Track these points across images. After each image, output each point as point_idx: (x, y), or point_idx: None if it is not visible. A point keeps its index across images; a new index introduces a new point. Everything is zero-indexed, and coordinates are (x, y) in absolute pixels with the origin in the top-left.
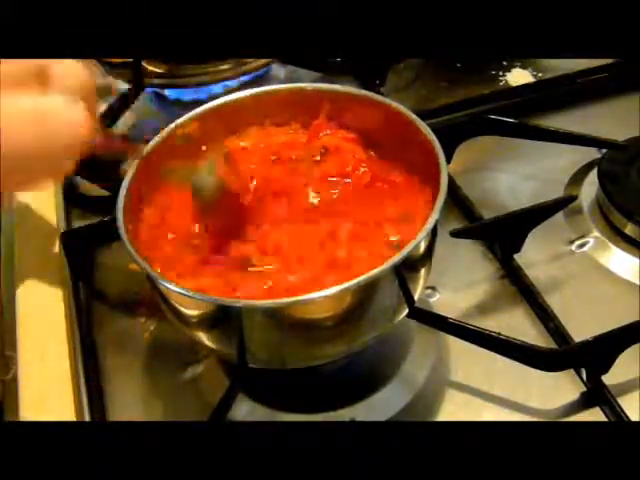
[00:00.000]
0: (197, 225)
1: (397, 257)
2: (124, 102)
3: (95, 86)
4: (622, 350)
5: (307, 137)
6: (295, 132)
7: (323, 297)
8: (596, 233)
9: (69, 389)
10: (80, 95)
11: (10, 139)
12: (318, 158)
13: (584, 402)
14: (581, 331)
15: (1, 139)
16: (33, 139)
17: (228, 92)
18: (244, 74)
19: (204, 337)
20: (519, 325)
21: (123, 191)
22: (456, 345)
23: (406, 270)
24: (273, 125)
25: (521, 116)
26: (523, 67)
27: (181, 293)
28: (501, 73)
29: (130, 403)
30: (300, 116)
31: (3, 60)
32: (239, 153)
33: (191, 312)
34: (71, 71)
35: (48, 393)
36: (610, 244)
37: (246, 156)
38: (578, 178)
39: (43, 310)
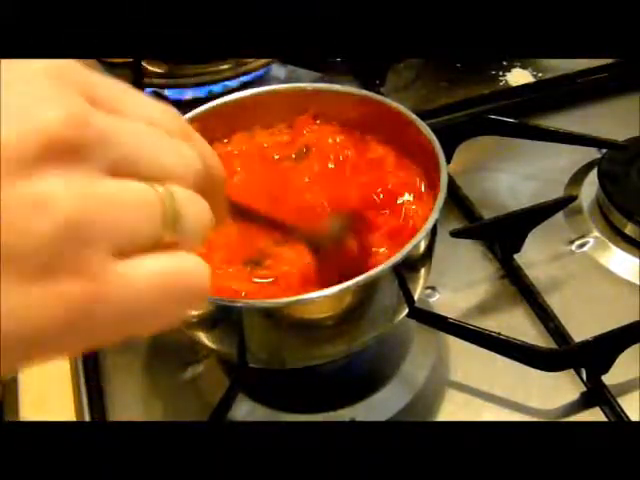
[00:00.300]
0: None
1: (397, 257)
2: None
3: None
4: (622, 350)
5: (290, 136)
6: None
7: (323, 297)
8: (596, 233)
9: (69, 389)
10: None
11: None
12: (294, 156)
13: (584, 402)
14: (581, 331)
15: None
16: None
17: (228, 92)
18: (244, 74)
19: (204, 337)
20: (519, 325)
21: None
22: (456, 345)
23: (406, 270)
24: (268, 126)
25: (521, 116)
26: (523, 67)
27: None
28: (501, 73)
29: (130, 403)
30: (299, 116)
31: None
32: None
33: (191, 312)
34: (197, 216)
35: (48, 393)
36: (610, 244)
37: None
38: (578, 178)
39: None
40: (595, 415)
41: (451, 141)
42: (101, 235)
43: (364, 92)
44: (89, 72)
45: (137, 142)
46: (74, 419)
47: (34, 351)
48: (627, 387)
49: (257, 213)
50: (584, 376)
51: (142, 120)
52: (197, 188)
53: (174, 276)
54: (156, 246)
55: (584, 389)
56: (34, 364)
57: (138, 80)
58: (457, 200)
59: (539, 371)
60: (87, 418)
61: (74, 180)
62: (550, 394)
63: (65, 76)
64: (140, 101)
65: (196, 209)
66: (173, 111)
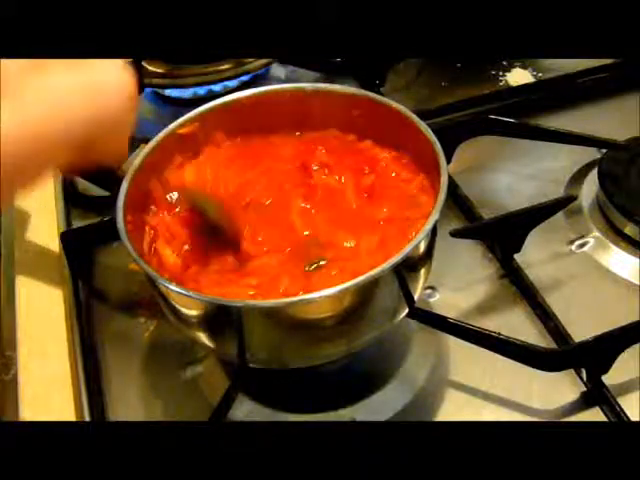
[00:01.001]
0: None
1: (397, 257)
2: None
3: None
4: (622, 350)
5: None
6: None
7: (323, 297)
8: (596, 233)
9: (69, 389)
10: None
11: (63, 117)
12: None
13: (584, 402)
14: (581, 331)
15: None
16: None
17: (228, 92)
18: (244, 74)
19: (204, 337)
20: (519, 325)
21: (123, 191)
22: (456, 345)
23: (406, 270)
24: (269, 127)
25: (521, 116)
26: (523, 67)
27: (181, 293)
28: (501, 73)
29: (130, 403)
30: (299, 116)
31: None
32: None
33: (191, 312)
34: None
35: (48, 393)
36: (610, 244)
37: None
38: (578, 178)
39: (43, 310)
40: (595, 415)
41: (451, 141)
42: None
43: (364, 92)
44: None
45: None
46: (74, 419)
47: None
48: (627, 387)
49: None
50: (584, 376)
51: None
52: None
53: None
54: None
55: (584, 389)
56: None
57: (138, 80)
58: (457, 200)
59: (539, 371)
60: (87, 418)
61: None
62: (550, 394)
63: None
64: None
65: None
66: None
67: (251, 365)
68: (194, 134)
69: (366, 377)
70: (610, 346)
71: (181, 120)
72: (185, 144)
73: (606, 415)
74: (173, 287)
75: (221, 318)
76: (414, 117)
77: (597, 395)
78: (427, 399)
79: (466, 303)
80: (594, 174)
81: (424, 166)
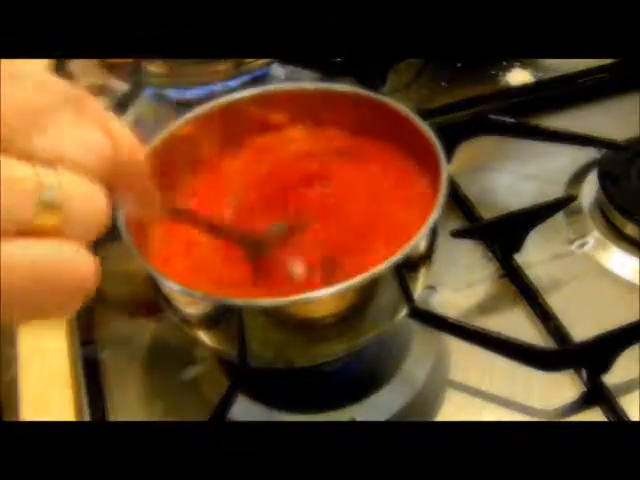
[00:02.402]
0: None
1: (397, 256)
2: (124, 102)
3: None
4: (622, 350)
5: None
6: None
7: (322, 296)
8: (596, 233)
9: (69, 389)
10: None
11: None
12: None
13: (584, 402)
14: (581, 331)
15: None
16: (33, 296)
17: (228, 92)
18: (244, 74)
19: (205, 337)
20: (519, 325)
21: None
22: (456, 345)
23: (406, 269)
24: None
25: (521, 116)
26: (523, 67)
27: (181, 292)
28: (501, 73)
29: (130, 403)
30: (300, 116)
31: None
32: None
33: (192, 311)
34: (85, 203)
35: (48, 393)
36: (610, 244)
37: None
38: (578, 178)
39: None
40: (595, 415)
41: (451, 141)
42: None
43: (364, 92)
44: None
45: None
46: (74, 419)
47: None
48: (627, 387)
49: (197, 216)
50: (584, 376)
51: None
52: (103, 176)
53: (45, 263)
54: (35, 231)
55: (584, 389)
56: None
57: (138, 80)
58: (457, 200)
59: (539, 371)
60: (87, 418)
61: None
62: (550, 394)
63: None
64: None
65: (84, 195)
66: (90, 97)
67: (251, 365)
68: (194, 135)
69: (366, 377)
70: (610, 346)
71: (180, 120)
72: (185, 145)
73: (606, 415)
74: (174, 286)
75: (221, 317)
76: (414, 117)
77: (597, 395)
78: (427, 399)
79: (466, 303)
80: (594, 174)
81: (424, 166)
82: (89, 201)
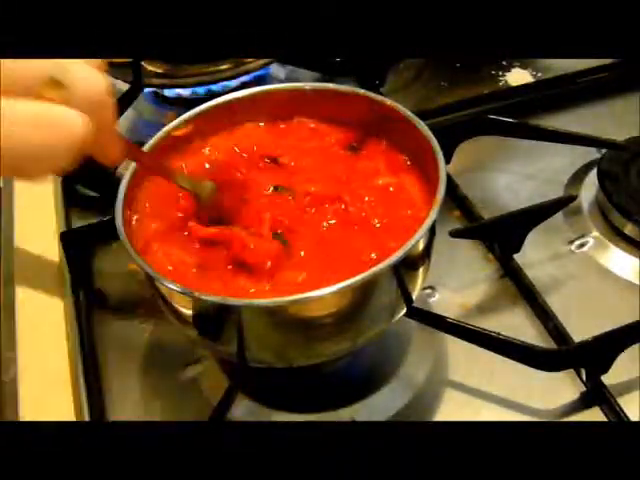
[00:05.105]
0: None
1: (395, 256)
2: (124, 102)
3: (111, 99)
4: (622, 350)
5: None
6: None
7: (321, 295)
8: (596, 233)
9: (69, 389)
10: (94, 107)
11: (6, 139)
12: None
13: (584, 402)
14: (581, 331)
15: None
16: (29, 141)
17: (228, 92)
18: (244, 74)
19: (204, 337)
20: (519, 325)
21: (122, 190)
22: (456, 345)
23: (404, 269)
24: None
25: (521, 116)
26: (523, 67)
27: (181, 293)
28: (501, 73)
29: (130, 403)
30: (299, 116)
31: (12, 61)
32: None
33: (191, 312)
34: (87, 82)
35: (48, 393)
36: (610, 244)
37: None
38: (578, 178)
39: (43, 310)
40: (595, 415)
41: (451, 141)
42: None
43: (364, 92)
44: None
45: None
46: (74, 419)
47: None
48: (627, 387)
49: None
50: (584, 376)
51: None
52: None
53: (45, 113)
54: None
55: (584, 389)
56: None
57: (138, 80)
58: (456, 200)
59: (539, 371)
60: (87, 418)
61: None
62: (550, 394)
63: None
64: None
65: (87, 78)
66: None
67: (251, 365)
68: (192, 134)
69: (366, 377)
70: (610, 346)
71: (180, 120)
72: (183, 144)
73: (606, 415)
74: (173, 287)
75: (221, 317)
76: (414, 117)
77: (597, 395)
78: (427, 399)
79: (466, 303)
80: (594, 174)
81: (424, 166)
82: (91, 80)
